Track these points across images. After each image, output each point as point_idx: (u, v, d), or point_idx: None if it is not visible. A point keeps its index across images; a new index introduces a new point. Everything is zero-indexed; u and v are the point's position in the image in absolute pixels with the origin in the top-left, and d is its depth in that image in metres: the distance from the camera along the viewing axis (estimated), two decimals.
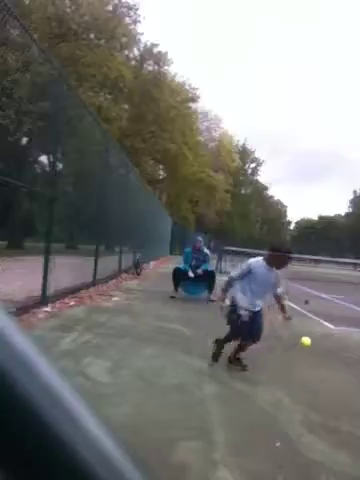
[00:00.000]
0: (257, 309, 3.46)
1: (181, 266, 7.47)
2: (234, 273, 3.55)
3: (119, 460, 0.25)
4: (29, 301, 4.78)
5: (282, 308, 3.53)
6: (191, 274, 7.20)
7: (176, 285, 7.36)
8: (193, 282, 7.28)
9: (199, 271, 7.23)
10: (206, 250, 7.60)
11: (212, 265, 7.74)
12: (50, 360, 0.26)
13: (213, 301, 7.15)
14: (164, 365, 3.34)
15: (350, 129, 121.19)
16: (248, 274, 3.40)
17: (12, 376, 0.23)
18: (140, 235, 13.05)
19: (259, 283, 3.39)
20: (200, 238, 7.81)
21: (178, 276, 7.35)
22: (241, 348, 3.56)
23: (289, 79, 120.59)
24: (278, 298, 3.55)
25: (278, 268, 3.39)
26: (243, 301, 3.41)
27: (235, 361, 3.56)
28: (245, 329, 3.41)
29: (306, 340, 3.41)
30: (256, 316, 3.44)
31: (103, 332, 4.20)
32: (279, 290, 3.52)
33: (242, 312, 3.37)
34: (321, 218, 71.19)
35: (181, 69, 57.46)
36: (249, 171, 58.23)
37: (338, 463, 2.06)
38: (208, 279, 7.31)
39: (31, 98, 9.09)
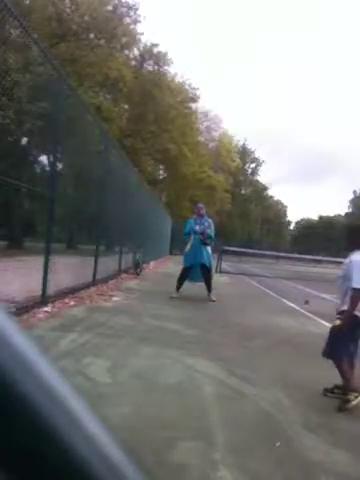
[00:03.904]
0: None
1: (187, 264, 7.32)
2: None
3: (119, 460, 0.25)
4: (29, 301, 4.78)
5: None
6: (198, 230, 6.99)
7: (179, 286, 7.32)
8: (195, 270, 7.19)
9: (206, 235, 7.07)
10: (209, 219, 7.39)
11: (211, 260, 7.54)
12: (50, 360, 0.26)
13: (214, 301, 7.15)
14: (164, 365, 3.34)
15: (350, 129, 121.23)
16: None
17: (12, 376, 0.23)
18: (140, 235, 13.05)
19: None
20: (201, 205, 7.69)
21: (185, 276, 7.30)
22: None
23: (289, 79, 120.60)
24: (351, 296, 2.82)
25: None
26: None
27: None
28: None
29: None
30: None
31: (103, 332, 4.20)
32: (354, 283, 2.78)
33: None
34: (321, 218, 71.17)
35: (181, 69, 57.38)
36: (249, 171, 58.18)
37: (338, 463, 2.06)
38: (204, 277, 7.25)
39: (31, 98, 9.09)
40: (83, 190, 8.65)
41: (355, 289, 2.76)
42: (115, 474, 0.24)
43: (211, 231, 7.24)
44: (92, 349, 3.57)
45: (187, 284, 7.46)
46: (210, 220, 7.40)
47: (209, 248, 7.41)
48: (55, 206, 5.39)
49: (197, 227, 7.16)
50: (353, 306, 2.79)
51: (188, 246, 7.25)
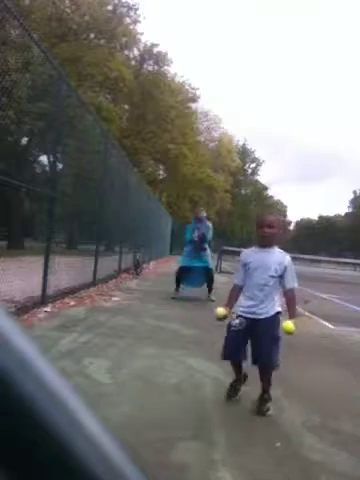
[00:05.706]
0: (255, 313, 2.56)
1: (184, 263, 7.32)
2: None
3: (119, 460, 0.25)
4: (29, 301, 4.78)
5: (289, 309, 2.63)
6: (195, 237, 6.92)
7: (178, 285, 7.30)
8: (193, 274, 7.17)
9: (204, 245, 7.05)
10: (209, 223, 7.35)
11: (211, 262, 7.55)
12: (50, 360, 0.26)
13: (213, 301, 7.15)
14: (164, 365, 3.34)
15: (350, 129, 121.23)
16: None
17: (12, 376, 0.23)
18: (140, 235, 13.05)
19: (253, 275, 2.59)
20: (201, 208, 7.64)
21: (181, 275, 7.28)
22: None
23: (290, 79, 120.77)
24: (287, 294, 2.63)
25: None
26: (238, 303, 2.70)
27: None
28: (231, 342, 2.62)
29: (289, 325, 2.51)
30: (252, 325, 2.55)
31: (103, 332, 4.20)
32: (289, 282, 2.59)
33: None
34: (321, 218, 71.20)
35: (181, 69, 57.41)
36: (249, 171, 58.20)
37: (338, 463, 2.06)
38: (207, 277, 7.25)
39: (31, 98, 9.09)
40: (83, 190, 8.64)
41: (294, 289, 2.64)
42: (115, 474, 0.24)
43: (209, 234, 7.20)
44: (92, 349, 3.57)
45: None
46: (210, 224, 7.35)
47: (208, 251, 7.39)
48: (55, 206, 5.39)
49: (196, 233, 7.09)
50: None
51: (186, 249, 7.27)
